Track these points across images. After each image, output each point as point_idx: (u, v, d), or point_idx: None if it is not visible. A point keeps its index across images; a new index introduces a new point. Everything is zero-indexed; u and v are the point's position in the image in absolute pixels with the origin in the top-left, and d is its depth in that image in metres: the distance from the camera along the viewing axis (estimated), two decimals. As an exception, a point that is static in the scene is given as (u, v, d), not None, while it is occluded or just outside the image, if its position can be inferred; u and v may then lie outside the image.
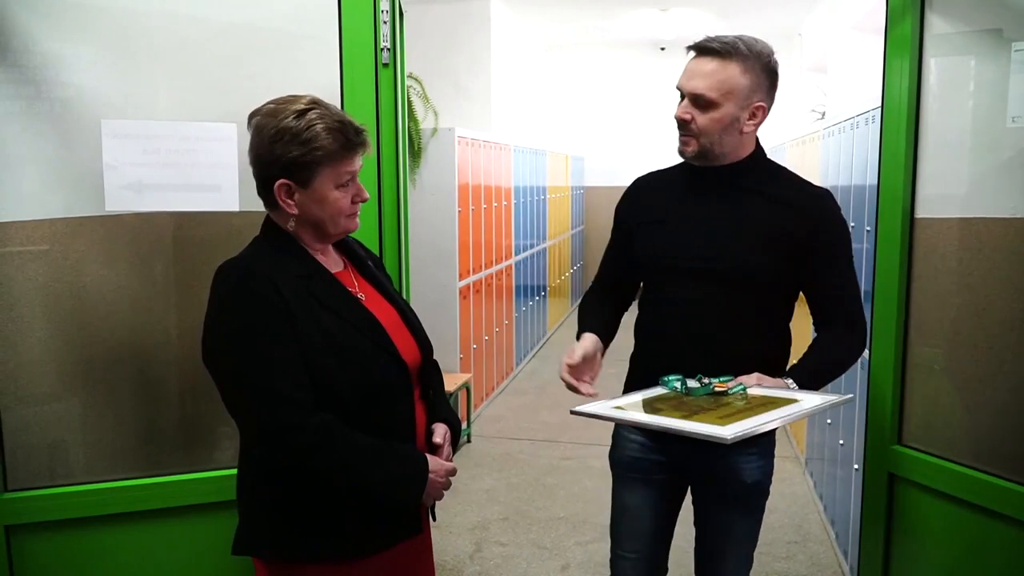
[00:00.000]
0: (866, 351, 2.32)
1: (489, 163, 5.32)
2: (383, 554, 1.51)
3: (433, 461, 1.51)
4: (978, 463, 1.87)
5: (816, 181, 3.88)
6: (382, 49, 1.86)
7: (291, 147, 1.39)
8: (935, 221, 1.95)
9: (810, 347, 1.79)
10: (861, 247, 2.85)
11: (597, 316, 1.87)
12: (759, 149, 1.77)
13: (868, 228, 2.68)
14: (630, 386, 1.81)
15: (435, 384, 1.66)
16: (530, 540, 3.36)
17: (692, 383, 1.65)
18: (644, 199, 1.86)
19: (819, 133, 3.96)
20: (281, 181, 1.42)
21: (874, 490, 2.08)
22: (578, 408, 1.56)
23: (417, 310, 1.67)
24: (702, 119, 1.67)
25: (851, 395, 1.56)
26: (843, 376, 3.11)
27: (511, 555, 3.23)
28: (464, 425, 4.57)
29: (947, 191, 1.95)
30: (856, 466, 2.76)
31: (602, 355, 1.79)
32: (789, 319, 1.82)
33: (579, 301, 1.98)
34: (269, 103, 1.44)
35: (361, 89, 1.86)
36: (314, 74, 1.85)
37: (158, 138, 1.80)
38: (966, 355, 1.93)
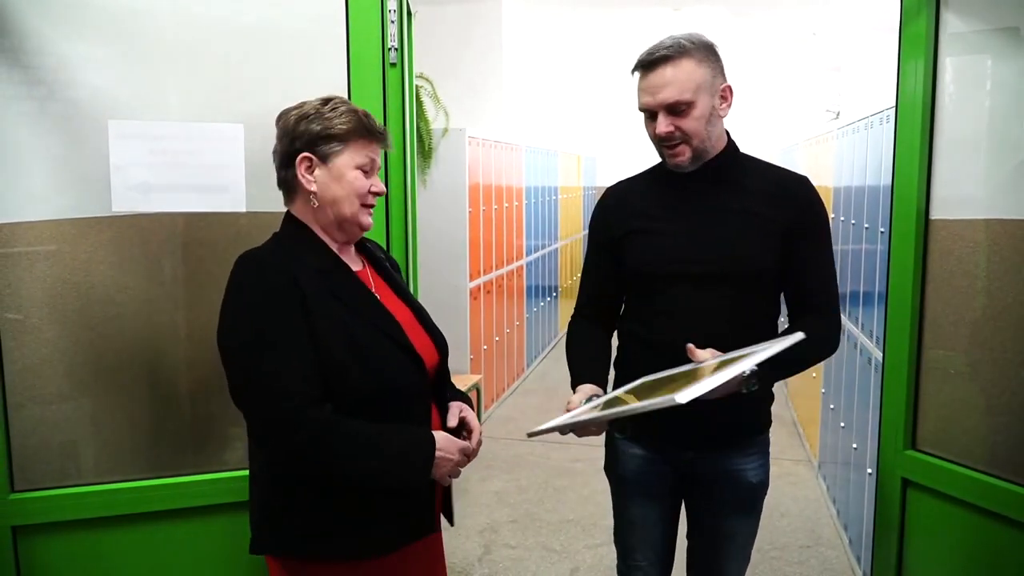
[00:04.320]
0: (879, 353, 2.29)
1: (500, 163, 5.32)
2: (395, 554, 1.50)
3: (443, 439, 1.47)
4: (993, 469, 1.84)
5: (830, 181, 3.90)
6: (390, 49, 1.86)
7: (315, 123, 1.46)
8: (950, 222, 1.93)
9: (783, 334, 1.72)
10: (875, 248, 2.82)
11: (594, 360, 1.77)
12: (731, 141, 1.75)
13: (882, 229, 2.65)
14: None
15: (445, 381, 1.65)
16: (539, 543, 3.35)
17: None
18: (628, 207, 1.78)
19: (833, 133, 3.93)
20: (303, 155, 1.46)
21: (887, 495, 2.05)
22: (536, 429, 1.48)
23: (427, 311, 1.66)
24: (687, 123, 1.64)
25: (801, 334, 1.53)
26: (856, 377, 3.12)
27: (520, 558, 3.22)
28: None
29: (963, 192, 1.92)
30: (869, 470, 2.73)
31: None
32: (779, 312, 1.80)
33: (568, 332, 1.86)
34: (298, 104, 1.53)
35: (368, 89, 1.85)
36: (321, 74, 1.84)
37: (165, 139, 1.80)
38: (982, 358, 1.90)
